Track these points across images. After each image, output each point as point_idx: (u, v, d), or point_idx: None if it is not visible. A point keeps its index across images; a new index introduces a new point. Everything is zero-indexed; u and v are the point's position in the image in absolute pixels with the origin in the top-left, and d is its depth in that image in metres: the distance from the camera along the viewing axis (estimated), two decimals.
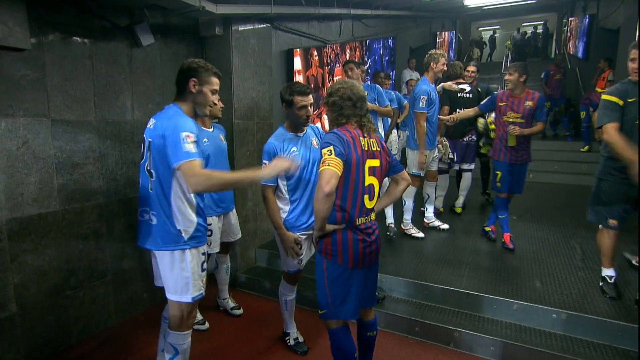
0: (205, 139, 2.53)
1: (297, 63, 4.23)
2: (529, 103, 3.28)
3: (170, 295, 1.87)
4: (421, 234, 3.84)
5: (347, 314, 1.85)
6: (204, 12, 2.86)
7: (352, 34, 5.66)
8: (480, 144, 4.26)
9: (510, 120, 3.31)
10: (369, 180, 1.78)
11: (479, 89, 4.36)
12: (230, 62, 3.29)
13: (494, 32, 17.13)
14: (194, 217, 1.81)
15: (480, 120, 4.02)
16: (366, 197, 1.78)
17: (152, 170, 1.79)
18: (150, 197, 1.81)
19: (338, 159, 1.66)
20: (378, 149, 1.83)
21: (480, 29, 17.91)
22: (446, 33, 11.49)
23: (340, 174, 1.67)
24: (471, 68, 4.43)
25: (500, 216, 3.57)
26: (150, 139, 1.78)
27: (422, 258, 3.38)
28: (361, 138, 1.76)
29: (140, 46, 2.84)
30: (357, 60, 5.24)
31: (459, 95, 4.26)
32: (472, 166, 4.45)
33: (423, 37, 9.98)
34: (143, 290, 3.06)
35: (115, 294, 2.86)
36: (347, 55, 5.49)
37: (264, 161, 2.19)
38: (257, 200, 3.63)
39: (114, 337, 2.72)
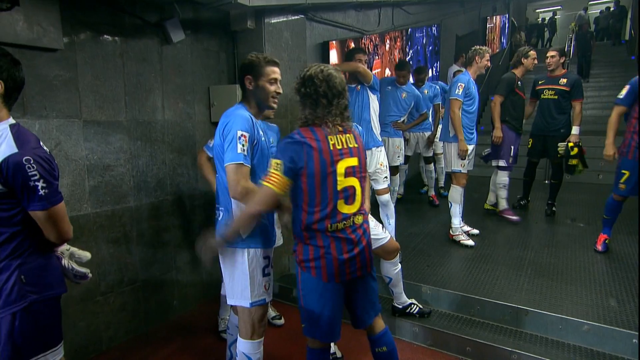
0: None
1: (333, 56, 4.21)
2: None
3: (229, 300, 1.93)
4: (471, 242, 3.71)
5: (321, 334, 1.78)
6: (236, 4, 2.90)
7: (392, 23, 5.56)
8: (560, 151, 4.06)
9: None
10: (345, 182, 1.66)
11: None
12: None
13: (554, 14, 16.27)
14: None
15: (561, 146, 4.02)
16: (340, 202, 1.66)
17: (217, 166, 1.89)
18: (217, 192, 1.93)
19: (285, 177, 1.60)
20: (356, 145, 1.72)
21: (537, 10, 17.10)
22: (498, 17, 11.05)
23: (282, 192, 1.62)
24: (551, 53, 4.26)
25: (606, 217, 3.46)
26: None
27: (472, 268, 3.24)
28: (330, 137, 1.64)
29: (170, 43, 2.93)
30: (398, 51, 5.14)
31: None
32: (504, 162, 4.20)
33: (471, 23, 9.64)
34: (173, 297, 3.15)
35: (145, 300, 2.96)
36: (387, 46, 5.40)
37: None
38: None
39: (143, 346, 2.81)
